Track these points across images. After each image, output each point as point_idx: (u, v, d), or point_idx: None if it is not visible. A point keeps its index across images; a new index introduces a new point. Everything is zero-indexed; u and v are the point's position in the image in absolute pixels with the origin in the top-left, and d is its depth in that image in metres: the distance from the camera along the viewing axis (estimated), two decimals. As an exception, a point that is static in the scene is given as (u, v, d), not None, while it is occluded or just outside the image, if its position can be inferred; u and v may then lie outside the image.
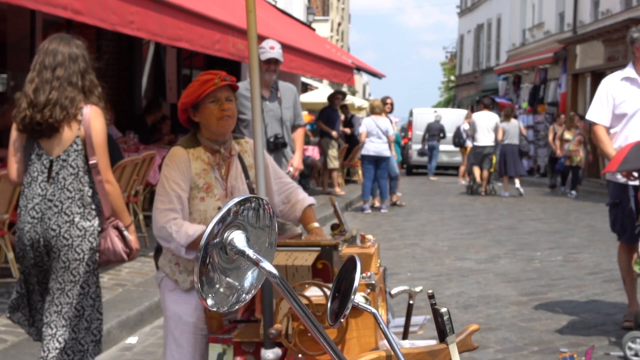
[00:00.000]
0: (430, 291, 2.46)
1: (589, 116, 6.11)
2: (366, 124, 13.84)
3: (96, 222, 4.01)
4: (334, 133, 16.10)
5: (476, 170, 17.81)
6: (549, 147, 19.78)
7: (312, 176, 17.01)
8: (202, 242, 1.51)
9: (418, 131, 25.82)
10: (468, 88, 42.98)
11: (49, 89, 3.92)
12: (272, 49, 6.38)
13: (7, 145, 7.59)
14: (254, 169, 3.51)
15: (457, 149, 22.07)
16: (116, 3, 6.28)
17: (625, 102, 5.94)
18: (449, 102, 55.93)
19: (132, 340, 5.77)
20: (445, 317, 2.24)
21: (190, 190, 3.43)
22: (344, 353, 1.96)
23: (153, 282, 6.47)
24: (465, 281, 8.03)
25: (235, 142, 3.61)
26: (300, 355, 2.81)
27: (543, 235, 11.46)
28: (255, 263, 1.56)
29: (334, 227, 3.71)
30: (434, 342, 2.43)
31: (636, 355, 5.27)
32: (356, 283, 1.97)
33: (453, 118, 25.28)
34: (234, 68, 13.00)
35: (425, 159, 24.97)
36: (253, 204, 1.60)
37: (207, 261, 1.52)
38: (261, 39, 6.57)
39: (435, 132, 23.97)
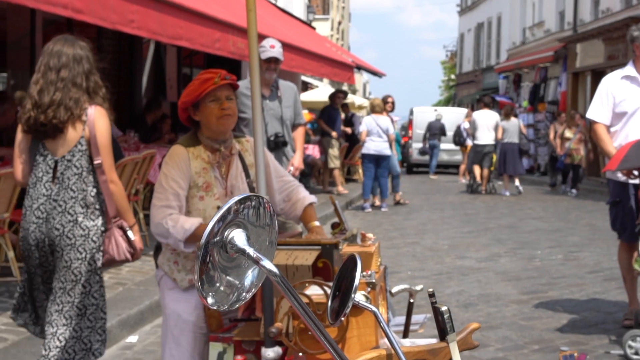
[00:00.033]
0: (430, 290, 2.46)
1: (590, 115, 6.11)
2: (366, 123, 13.84)
3: (100, 221, 4.04)
4: (334, 134, 16.11)
5: (476, 169, 17.81)
6: (550, 145, 19.78)
7: (312, 175, 17.01)
8: (203, 240, 1.51)
9: (418, 130, 25.84)
10: (468, 87, 42.97)
11: (53, 90, 3.95)
12: (272, 48, 6.38)
13: (6, 144, 7.61)
14: (254, 167, 3.50)
15: (458, 147, 22.08)
16: (116, 2, 6.28)
17: (625, 100, 5.94)
18: (449, 101, 55.93)
19: (132, 339, 5.77)
20: (446, 316, 2.24)
21: (189, 189, 3.43)
22: (344, 352, 1.96)
23: (153, 281, 6.48)
24: (465, 280, 8.03)
25: (236, 140, 3.61)
26: (300, 354, 2.81)
27: (543, 233, 11.46)
28: (256, 261, 1.55)
29: (334, 226, 3.71)
30: (434, 340, 2.43)
31: (636, 353, 5.27)
32: (357, 282, 1.97)
33: (453, 117, 25.29)
34: (234, 67, 12.99)
35: (425, 157, 24.99)
36: (253, 203, 1.60)
37: (208, 260, 1.52)
38: (261, 37, 6.57)
39: (436, 131, 23.99)
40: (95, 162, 3.99)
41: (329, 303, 2.06)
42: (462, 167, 21.79)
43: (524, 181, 18.47)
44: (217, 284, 1.55)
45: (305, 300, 2.76)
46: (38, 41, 10.56)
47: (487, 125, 17.15)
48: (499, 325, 6.22)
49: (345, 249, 3.21)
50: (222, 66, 4.54)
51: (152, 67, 14.43)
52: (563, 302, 7.02)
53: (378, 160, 13.75)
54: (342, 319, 1.99)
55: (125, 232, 4.09)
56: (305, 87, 28.03)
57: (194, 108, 3.45)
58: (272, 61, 6.38)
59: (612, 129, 6.00)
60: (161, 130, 11.88)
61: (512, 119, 17.68)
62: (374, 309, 2.26)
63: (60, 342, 3.95)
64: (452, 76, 57.82)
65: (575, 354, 2.72)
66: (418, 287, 3.46)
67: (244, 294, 1.61)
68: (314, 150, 16.71)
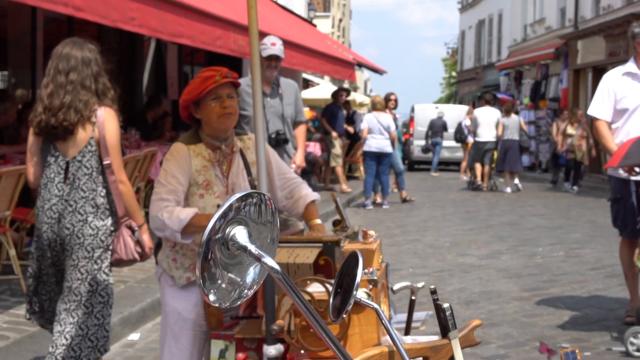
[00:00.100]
0: (432, 287, 2.45)
1: (591, 111, 6.11)
2: (367, 121, 13.84)
3: (109, 221, 4.09)
4: (334, 134, 16.11)
5: (478, 168, 17.80)
6: (552, 142, 19.75)
7: (313, 172, 17.01)
8: (204, 237, 1.50)
9: (420, 127, 25.83)
10: (469, 84, 42.94)
11: (63, 93, 4.02)
12: (273, 46, 6.38)
13: (7, 143, 7.62)
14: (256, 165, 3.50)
15: (459, 144, 22.08)
16: (117, 0, 6.28)
17: (626, 97, 5.93)
18: (451, 98, 55.91)
19: (134, 336, 5.77)
20: (448, 313, 2.24)
21: (189, 186, 3.42)
22: (346, 349, 1.96)
23: (155, 279, 6.46)
24: (467, 277, 8.03)
25: (238, 138, 3.60)
26: (302, 351, 2.81)
27: (545, 230, 11.46)
28: (257, 259, 1.55)
29: (335, 223, 3.71)
30: (436, 337, 2.43)
31: (638, 350, 5.27)
32: (358, 279, 1.97)
33: (455, 114, 25.29)
34: (235, 64, 12.99)
35: (428, 155, 24.99)
36: (255, 200, 1.59)
37: (209, 257, 1.52)
38: (262, 35, 6.57)
39: (438, 128, 24.00)
40: (105, 162, 4.06)
41: (331, 300, 2.06)
42: (463, 165, 21.79)
43: (525, 178, 18.46)
44: (219, 281, 1.55)
45: (307, 297, 2.76)
46: (39, 39, 10.57)
47: (488, 123, 17.15)
48: (501, 322, 6.22)
49: (347, 246, 3.21)
50: (223, 64, 4.54)
51: (153, 64, 14.43)
52: (564, 299, 7.02)
53: (379, 158, 13.75)
54: (344, 316, 1.99)
55: (133, 232, 4.13)
56: (306, 84, 28.03)
57: (195, 106, 3.44)
58: (273, 59, 6.38)
59: (613, 126, 5.99)
60: (162, 128, 11.89)
61: (513, 115, 17.67)
62: (375, 306, 2.26)
63: (67, 339, 4.00)
64: (453, 73, 57.80)
65: (577, 351, 2.72)
66: (419, 285, 3.46)
67: (246, 291, 1.61)
68: (315, 148, 16.71)
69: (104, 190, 4.08)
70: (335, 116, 16.37)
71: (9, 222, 6.61)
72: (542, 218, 13.08)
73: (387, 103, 14.35)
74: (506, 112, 17.61)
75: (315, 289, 2.86)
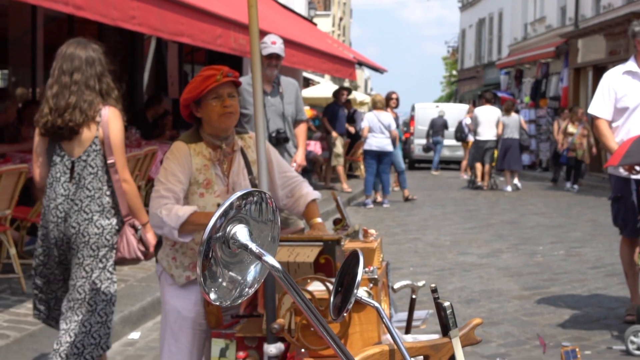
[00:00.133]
0: (433, 285, 2.45)
1: (591, 110, 6.11)
2: (368, 119, 13.83)
3: (114, 220, 4.12)
4: (334, 134, 16.11)
5: (478, 167, 17.80)
6: (552, 141, 19.74)
7: (314, 171, 17.01)
8: (205, 235, 1.50)
9: (420, 126, 25.83)
10: (470, 82, 42.92)
11: (68, 93, 4.05)
12: (273, 44, 6.38)
13: (8, 142, 7.62)
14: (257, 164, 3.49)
15: (459, 143, 22.08)
16: (117, -2, 6.28)
17: (627, 95, 5.93)
18: (451, 97, 55.86)
19: (134, 335, 5.77)
20: (448, 311, 2.24)
21: (190, 185, 3.42)
22: (347, 347, 1.96)
23: (155, 278, 6.46)
24: (467, 276, 8.03)
25: (239, 137, 3.60)
26: (303, 350, 2.81)
27: (545, 229, 11.46)
28: (258, 257, 1.55)
29: (336, 222, 3.71)
30: (436, 336, 2.43)
31: (638, 349, 5.27)
32: (359, 277, 1.97)
33: (455, 113, 25.28)
34: (235, 63, 12.98)
35: (429, 154, 24.98)
36: (255, 198, 1.59)
37: (210, 255, 1.51)
38: (263, 34, 6.57)
39: (439, 127, 23.99)
40: (109, 161, 4.08)
41: (332, 299, 2.06)
42: (464, 163, 21.79)
43: (525, 177, 18.46)
44: (220, 280, 1.55)
45: (307, 296, 2.76)
46: (39, 38, 10.56)
47: (488, 121, 17.14)
48: (501, 321, 6.22)
49: (348, 245, 3.21)
50: (224, 62, 4.54)
51: (153, 63, 14.42)
52: (565, 297, 7.02)
53: (380, 157, 13.75)
54: (345, 314, 1.99)
55: (136, 231, 4.14)
56: (307, 83, 28.00)
57: (195, 105, 3.44)
58: (274, 57, 6.38)
59: (613, 125, 5.99)
60: (163, 126, 11.89)
61: (513, 114, 17.67)
62: (376, 304, 2.26)
63: (71, 337, 4.02)
64: (454, 72, 57.74)
65: (577, 349, 2.71)
66: (420, 283, 3.46)
67: (247, 289, 1.61)
68: (315, 147, 16.70)
69: (110, 190, 4.10)
70: (336, 115, 16.37)
71: (9, 220, 6.61)
72: (542, 217, 13.08)
73: (389, 102, 14.35)
74: (506, 111, 17.61)
75: (316, 287, 2.86)
